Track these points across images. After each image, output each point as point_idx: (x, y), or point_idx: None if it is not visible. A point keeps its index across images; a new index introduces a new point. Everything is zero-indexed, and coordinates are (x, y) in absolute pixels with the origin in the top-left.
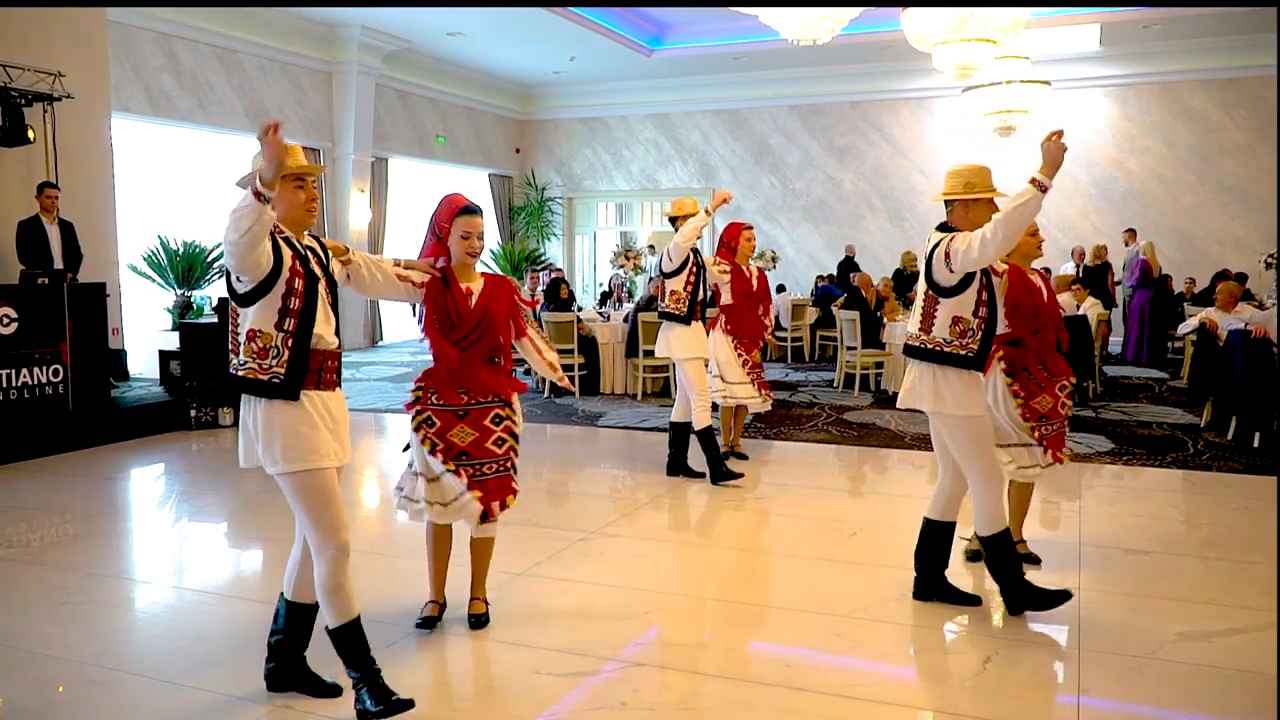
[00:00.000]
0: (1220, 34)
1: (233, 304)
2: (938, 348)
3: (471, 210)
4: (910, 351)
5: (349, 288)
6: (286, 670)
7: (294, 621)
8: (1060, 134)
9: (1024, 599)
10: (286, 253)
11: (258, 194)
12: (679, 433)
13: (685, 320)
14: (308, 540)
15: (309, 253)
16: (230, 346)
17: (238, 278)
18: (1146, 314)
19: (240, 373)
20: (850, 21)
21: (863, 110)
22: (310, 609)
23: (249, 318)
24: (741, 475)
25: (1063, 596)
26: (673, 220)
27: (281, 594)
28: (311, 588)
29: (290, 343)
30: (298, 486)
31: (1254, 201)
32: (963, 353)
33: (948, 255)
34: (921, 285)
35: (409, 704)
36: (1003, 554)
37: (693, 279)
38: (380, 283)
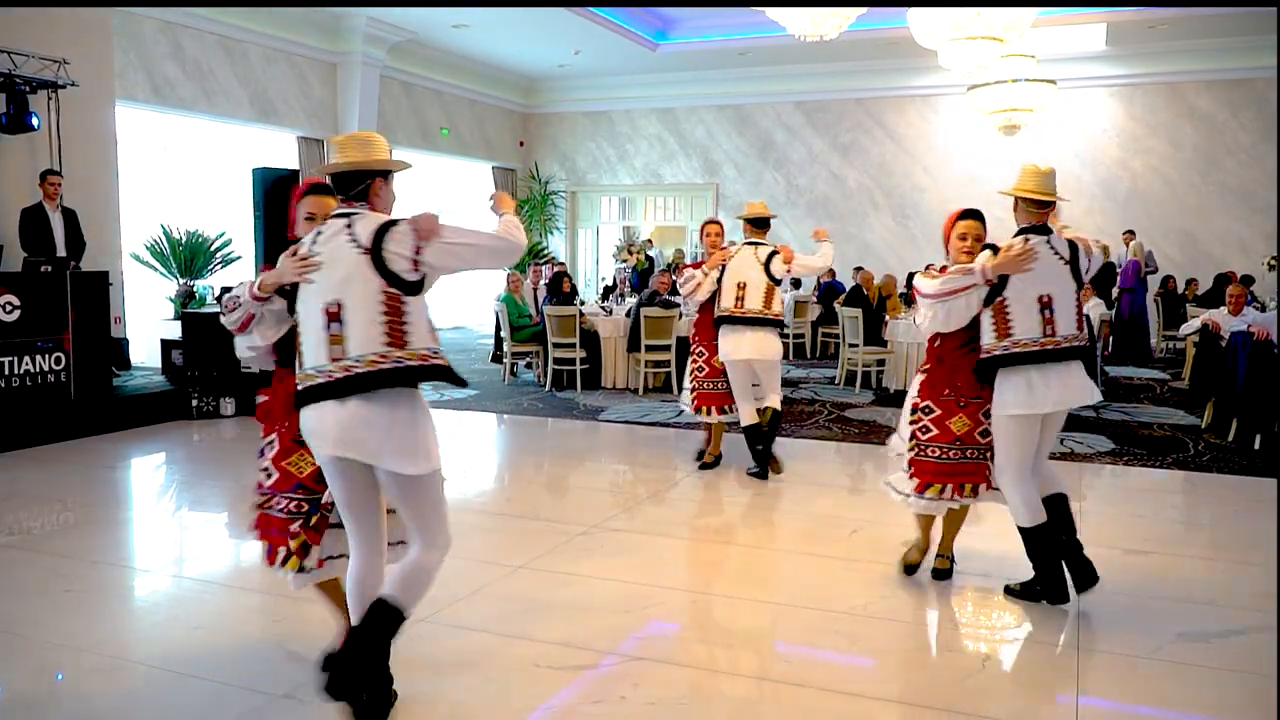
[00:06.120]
0: (1227, 35)
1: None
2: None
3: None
4: None
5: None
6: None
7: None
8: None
9: (1059, 586)
10: None
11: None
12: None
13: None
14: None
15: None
16: None
17: None
18: (1137, 315)
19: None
20: (856, 18)
21: (867, 107)
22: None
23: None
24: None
25: (1090, 580)
26: (748, 221)
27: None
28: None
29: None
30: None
31: (1258, 203)
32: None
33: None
34: None
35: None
36: (1039, 545)
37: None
38: None
